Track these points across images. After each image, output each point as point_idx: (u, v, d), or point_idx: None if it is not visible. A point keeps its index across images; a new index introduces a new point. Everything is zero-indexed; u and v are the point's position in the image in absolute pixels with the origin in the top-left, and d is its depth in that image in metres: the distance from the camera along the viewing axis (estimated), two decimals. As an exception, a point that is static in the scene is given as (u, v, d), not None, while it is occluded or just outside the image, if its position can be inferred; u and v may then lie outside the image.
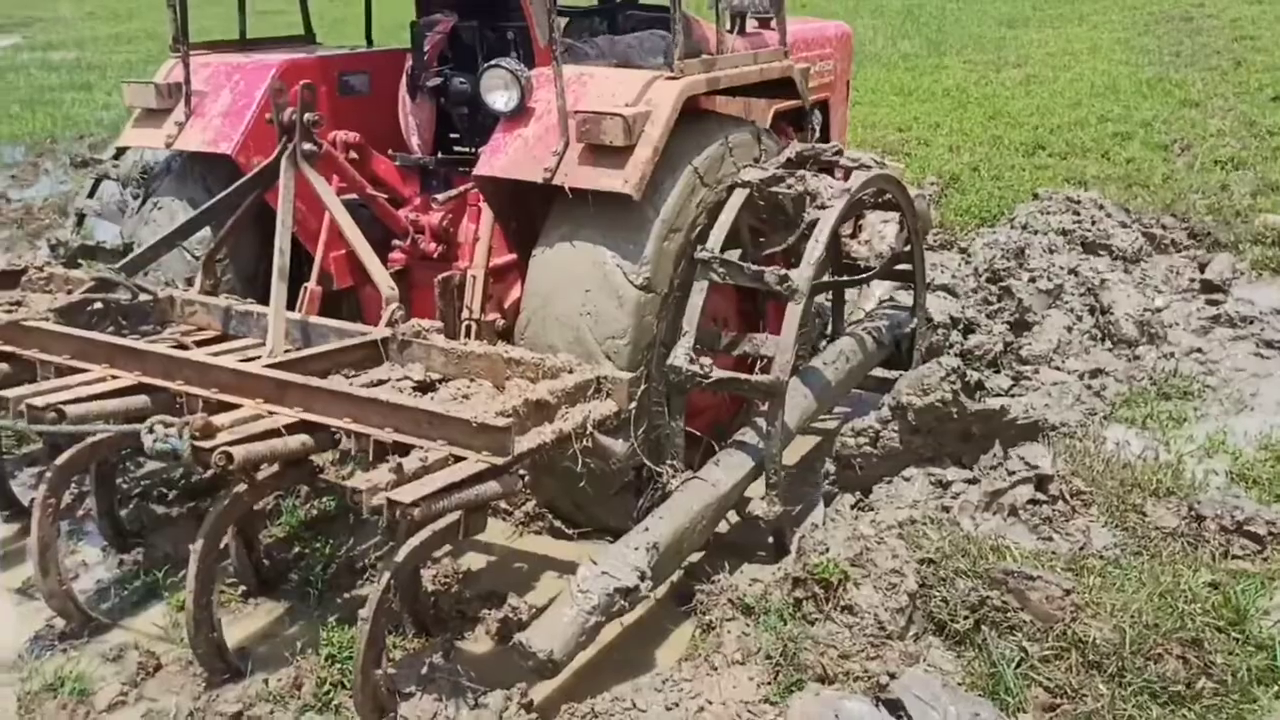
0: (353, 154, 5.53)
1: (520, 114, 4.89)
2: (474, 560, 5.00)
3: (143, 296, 5.17)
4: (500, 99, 4.92)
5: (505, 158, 4.85)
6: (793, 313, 4.71)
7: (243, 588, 4.70)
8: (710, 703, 3.70)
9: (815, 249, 4.78)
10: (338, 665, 4.11)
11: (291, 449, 4.03)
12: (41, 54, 23.56)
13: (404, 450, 3.85)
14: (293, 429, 4.03)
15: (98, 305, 5.10)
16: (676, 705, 3.67)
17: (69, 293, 5.22)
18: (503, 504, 5.20)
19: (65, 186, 11.78)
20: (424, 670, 3.95)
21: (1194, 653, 3.89)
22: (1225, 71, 16.34)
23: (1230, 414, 6.14)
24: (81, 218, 7.53)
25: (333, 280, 5.60)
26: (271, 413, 4.11)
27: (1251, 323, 7.14)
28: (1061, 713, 3.73)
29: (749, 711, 3.67)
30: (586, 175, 4.63)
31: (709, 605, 4.36)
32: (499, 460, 3.77)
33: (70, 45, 25.02)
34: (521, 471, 4.06)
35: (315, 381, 4.17)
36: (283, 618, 4.56)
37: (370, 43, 6.71)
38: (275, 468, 4.15)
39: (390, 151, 5.94)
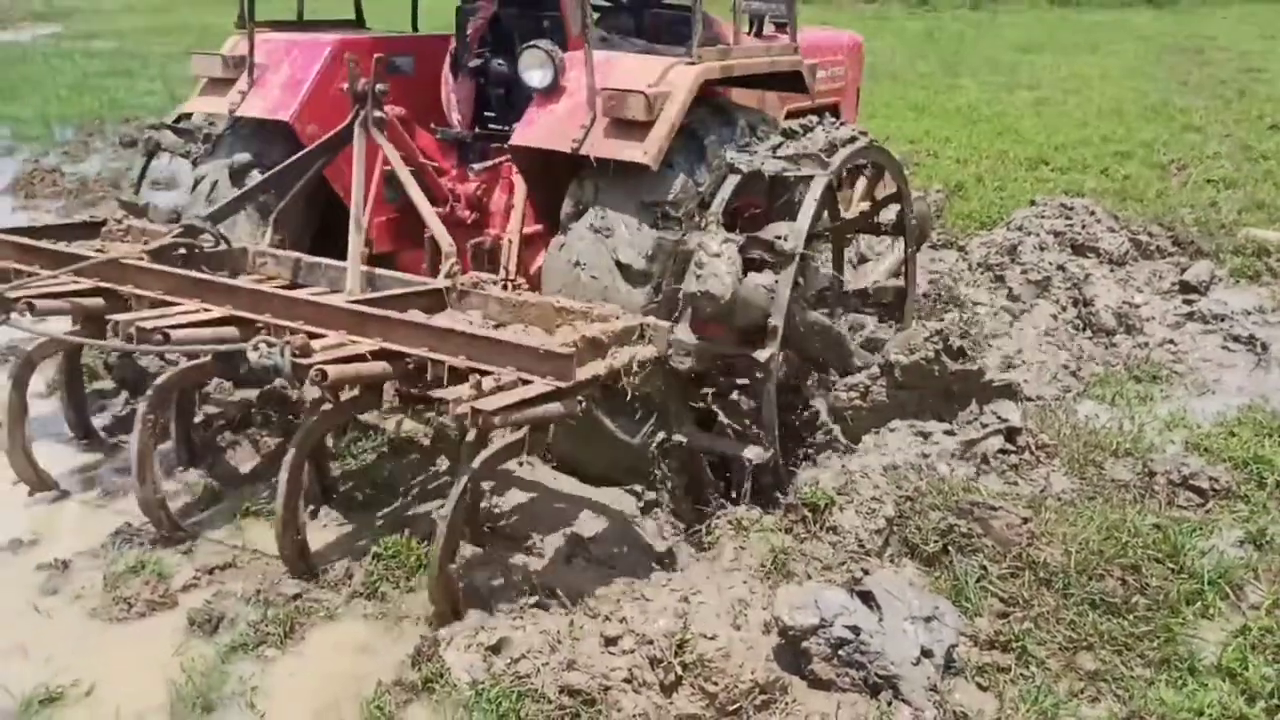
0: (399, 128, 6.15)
1: (553, 91, 5.43)
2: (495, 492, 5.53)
3: (223, 246, 5.75)
4: (536, 76, 5.47)
5: (538, 129, 5.40)
6: (784, 279, 5.08)
7: (311, 507, 5.18)
8: (708, 599, 4.24)
9: (804, 217, 5.13)
10: (382, 563, 4.67)
11: (375, 372, 4.54)
12: (84, 43, 24.30)
13: (480, 375, 4.31)
14: (376, 356, 4.53)
15: (181, 251, 5.65)
16: (680, 599, 4.20)
17: (145, 243, 5.79)
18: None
19: (116, 164, 12.42)
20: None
21: (1132, 576, 4.43)
22: (1229, 100, 16.91)
23: (1193, 396, 6.69)
24: (142, 179, 8.13)
25: (374, 244, 6.16)
26: (355, 341, 4.59)
27: (1223, 320, 7.66)
28: (1013, 618, 4.26)
29: (740, 601, 4.22)
30: (610, 146, 5.16)
31: (711, 527, 4.93)
32: (563, 384, 4.27)
33: (110, 35, 25.78)
34: (580, 398, 4.61)
35: (395, 314, 4.66)
36: (329, 530, 5.10)
37: (415, 29, 7.32)
38: (356, 391, 4.71)
39: (432, 126, 6.55)
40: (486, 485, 5.22)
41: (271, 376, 4.35)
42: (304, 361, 4.26)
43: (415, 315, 4.76)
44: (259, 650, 4.18)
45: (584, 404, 4.67)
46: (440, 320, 4.76)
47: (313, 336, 4.56)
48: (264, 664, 4.12)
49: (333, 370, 4.25)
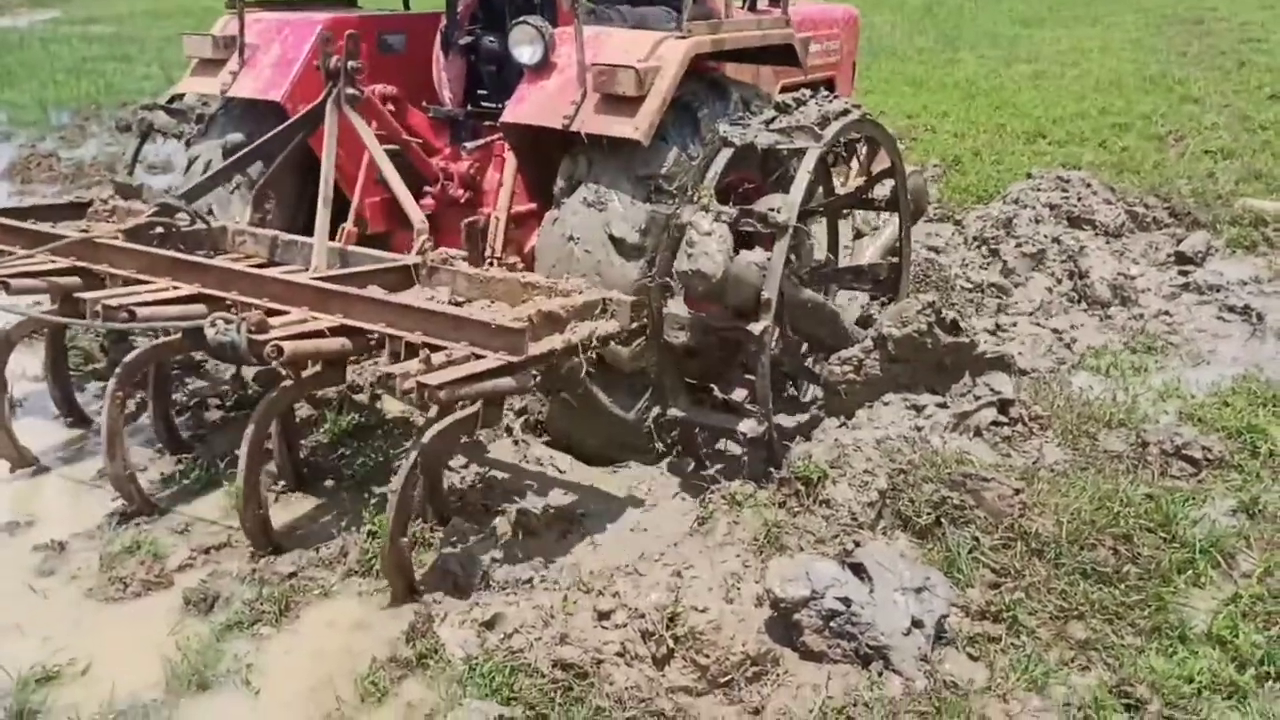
0: (390, 106, 6.14)
1: (544, 67, 5.41)
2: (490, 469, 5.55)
3: (199, 224, 5.76)
4: (526, 52, 5.44)
5: (529, 106, 5.39)
6: (778, 250, 5.03)
7: (282, 483, 5.25)
8: (700, 573, 4.26)
9: (797, 189, 5.09)
10: (377, 540, 4.66)
11: (333, 349, 4.59)
12: (81, 27, 24.24)
13: (432, 350, 4.37)
14: (335, 332, 4.58)
15: (159, 230, 5.66)
16: (673, 573, 4.22)
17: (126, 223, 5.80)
18: (516, 427, 5.76)
19: (112, 148, 12.41)
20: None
21: (1124, 546, 4.44)
22: (1228, 71, 16.84)
23: (1188, 367, 6.68)
24: (135, 161, 8.13)
25: (367, 224, 6.16)
26: (316, 318, 4.65)
27: (1218, 290, 7.66)
28: (1005, 589, 4.28)
29: (733, 575, 4.23)
30: (601, 122, 5.16)
31: (705, 501, 4.95)
32: (514, 358, 4.30)
33: (109, 20, 25.71)
34: (534, 372, 4.63)
35: (355, 290, 4.71)
36: (322, 508, 5.12)
37: (407, 7, 7.30)
38: (318, 367, 4.73)
39: (424, 104, 6.54)
40: (464, 462, 5.24)
41: (229, 353, 4.37)
42: (259, 338, 4.29)
43: (375, 291, 4.78)
44: (254, 628, 4.20)
45: (537, 378, 4.71)
46: (399, 296, 4.77)
47: (277, 314, 4.60)
48: (259, 642, 4.14)
49: (288, 346, 4.30)
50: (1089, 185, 9.17)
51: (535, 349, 4.43)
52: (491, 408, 4.43)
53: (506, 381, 4.33)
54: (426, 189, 6.25)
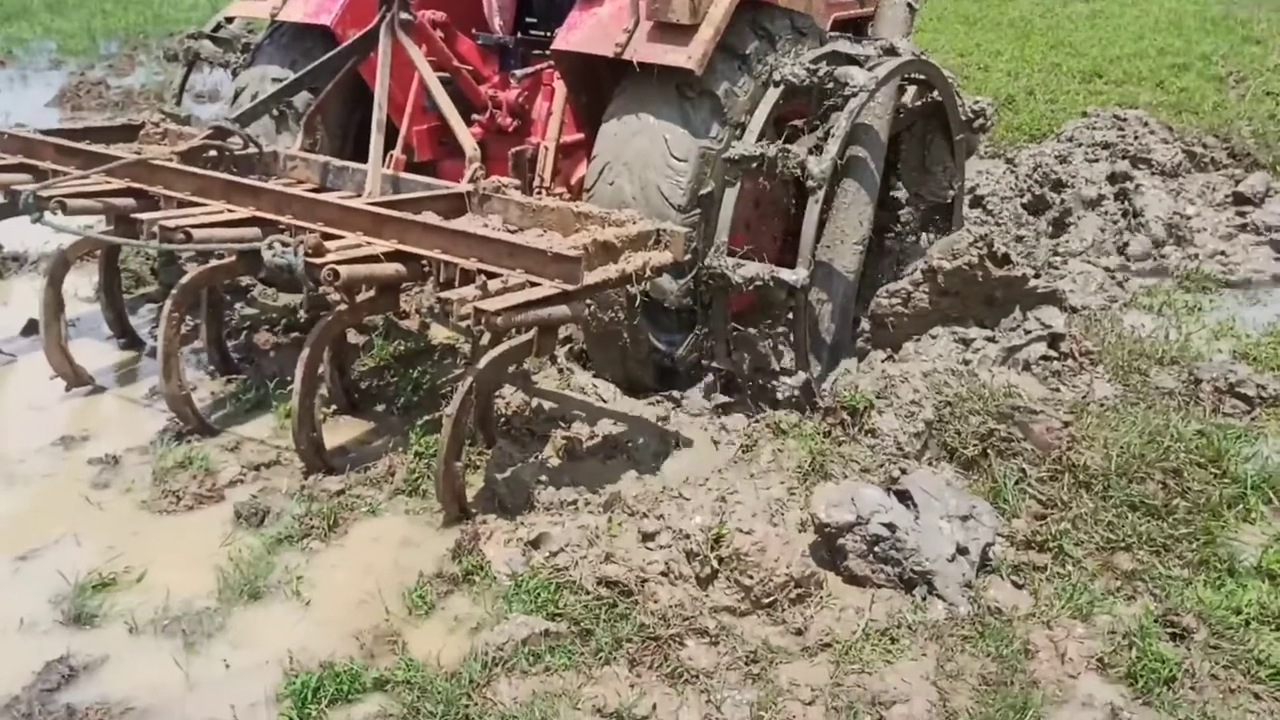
0: (439, 33, 6.08)
1: None
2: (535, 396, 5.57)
3: (252, 148, 5.78)
4: None
5: (580, 34, 5.33)
6: (812, 204, 4.96)
7: (334, 407, 5.31)
8: (744, 499, 4.26)
9: (836, 137, 5.00)
10: (424, 461, 4.73)
11: (387, 274, 4.60)
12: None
13: (488, 277, 4.42)
14: (389, 258, 4.60)
15: (212, 153, 5.71)
16: (717, 498, 4.23)
17: (178, 145, 5.83)
18: (561, 356, 5.77)
19: (159, 77, 12.46)
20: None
21: (1174, 480, 4.40)
22: (1295, 10, 16.40)
23: (1244, 307, 6.59)
24: (182, 91, 8.15)
25: (414, 152, 6.15)
26: (370, 243, 4.67)
27: (1277, 231, 7.51)
28: (1051, 520, 4.26)
29: (777, 501, 4.25)
30: (653, 51, 5.09)
31: (749, 430, 4.95)
32: (570, 286, 4.29)
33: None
34: (589, 301, 4.62)
35: (410, 215, 4.72)
36: (373, 431, 5.17)
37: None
38: (371, 292, 4.76)
39: (473, 31, 6.49)
40: (511, 388, 5.28)
41: (285, 276, 4.39)
42: (316, 261, 4.31)
43: (430, 218, 4.77)
44: (304, 542, 4.27)
45: (591, 308, 4.68)
46: (454, 223, 4.77)
47: (331, 238, 4.60)
48: (309, 555, 4.21)
49: (345, 270, 4.30)
50: (1146, 124, 8.99)
51: (590, 278, 4.40)
52: (546, 336, 4.43)
53: (562, 310, 4.32)
54: (475, 117, 6.21)
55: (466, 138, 5.46)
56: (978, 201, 7.60)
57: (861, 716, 3.34)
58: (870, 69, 5.23)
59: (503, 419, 5.14)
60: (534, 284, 4.32)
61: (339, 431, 5.14)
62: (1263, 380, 5.22)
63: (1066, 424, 4.55)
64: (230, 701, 3.38)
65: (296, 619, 3.86)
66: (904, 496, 4.05)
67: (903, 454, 4.59)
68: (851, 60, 5.30)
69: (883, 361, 5.39)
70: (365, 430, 5.17)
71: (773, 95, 5.21)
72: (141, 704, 3.42)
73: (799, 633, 3.73)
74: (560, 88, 5.85)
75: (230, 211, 5.03)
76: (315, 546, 4.26)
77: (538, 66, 6.21)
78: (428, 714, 3.31)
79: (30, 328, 5.88)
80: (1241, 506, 4.36)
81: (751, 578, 3.83)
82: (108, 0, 17.51)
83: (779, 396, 5.19)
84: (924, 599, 3.84)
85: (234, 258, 4.88)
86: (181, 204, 5.15)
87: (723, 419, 5.28)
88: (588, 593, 3.83)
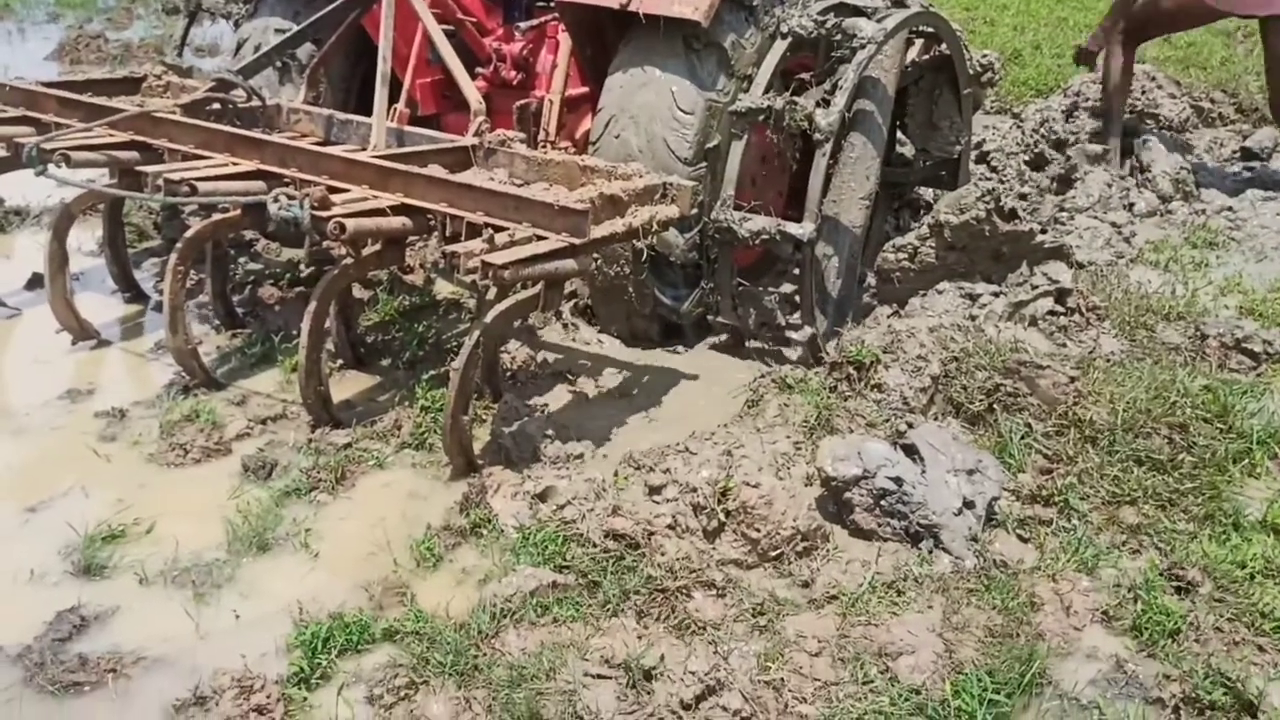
0: (443, -18, 6.03)
1: None
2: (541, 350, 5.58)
3: (256, 101, 5.74)
4: None
5: None
6: (819, 157, 4.94)
7: (340, 361, 5.30)
8: (751, 453, 4.27)
9: (843, 89, 4.98)
10: (430, 415, 4.73)
11: (394, 227, 4.59)
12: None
13: (495, 231, 4.41)
14: (395, 211, 4.59)
15: (215, 106, 5.68)
16: (723, 452, 4.24)
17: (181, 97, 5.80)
18: (565, 310, 5.76)
19: (159, 30, 12.36)
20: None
21: (1180, 435, 4.40)
22: (1303, -34, 16.18)
23: (1250, 262, 6.56)
24: (183, 43, 8.09)
25: (418, 106, 6.10)
26: (376, 197, 4.66)
27: (1284, 186, 7.50)
28: (1057, 474, 4.27)
29: (783, 455, 4.25)
30: (660, 2, 5.02)
31: (755, 385, 4.95)
32: (577, 240, 4.30)
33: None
34: (595, 255, 4.61)
35: (416, 169, 4.71)
36: (379, 386, 5.17)
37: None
38: (377, 246, 4.75)
39: (477, -20, 6.42)
40: (514, 343, 5.28)
41: (291, 229, 4.38)
42: (322, 214, 4.29)
43: (436, 171, 4.75)
44: (311, 495, 4.28)
45: (598, 261, 4.66)
46: (460, 177, 4.75)
47: (336, 191, 4.59)
48: (316, 508, 4.22)
49: (351, 224, 4.29)
50: (1153, 79, 8.92)
51: (597, 232, 4.41)
52: (553, 290, 4.42)
53: (569, 263, 4.32)
54: (479, 70, 6.16)
55: (471, 91, 5.42)
56: (983, 158, 7.54)
57: (868, 667, 3.36)
58: (879, 21, 5.19)
59: (509, 373, 5.15)
60: (540, 238, 4.32)
61: (345, 386, 5.13)
62: (1269, 336, 5.21)
63: (1072, 379, 4.54)
64: (241, 651, 3.40)
65: (305, 570, 3.87)
66: (910, 450, 4.06)
67: (909, 409, 4.59)
68: (859, 12, 5.26)
69: (889, 317, 5.40)
70: (371, 385, 5.17)
71: (780, 47, 5.17)
72: (153, 653, 3.44)
73: (805, 585, 3.75)
74: (565, 40, 5.81)
75: (235, 165, 5.01)
76: (323, 499, 4.27)
77: (542, 19, 6.17)
78: (437, 664, 3.33)
79: (35, 281, 5.87)
80: (1247, 461, 4.37)
81: (758, 531, 3.85)
82: (105, -48, 17.32)
83: (785, 351, 5.20)
84: (930, 552, 3.85)
85: (239, 211, 4.86)
86: (185, 157, 5.13)
87: (728, 374, 5.29)
88: (595, 545, 3.85)
